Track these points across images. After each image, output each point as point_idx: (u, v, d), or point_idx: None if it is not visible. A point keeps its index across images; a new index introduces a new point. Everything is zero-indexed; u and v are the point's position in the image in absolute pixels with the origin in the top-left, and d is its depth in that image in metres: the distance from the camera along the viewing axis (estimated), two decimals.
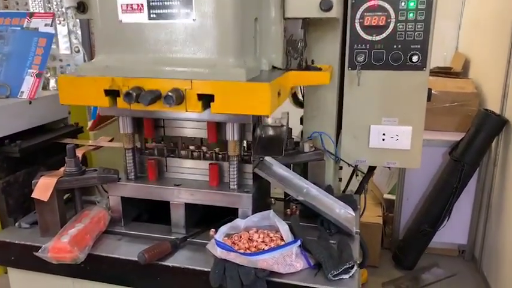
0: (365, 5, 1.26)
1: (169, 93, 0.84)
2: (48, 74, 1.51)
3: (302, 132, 1.39)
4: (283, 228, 1.06)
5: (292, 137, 1.30)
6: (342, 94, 1.35)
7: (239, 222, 1.10)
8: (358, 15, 1.27)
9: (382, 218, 2.56)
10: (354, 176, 1.54)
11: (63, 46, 1.96)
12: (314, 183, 1.24)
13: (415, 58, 1.25)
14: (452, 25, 3.16)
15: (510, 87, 2.20)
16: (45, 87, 1.47)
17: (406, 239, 2.54)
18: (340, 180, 1.58)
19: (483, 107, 2.40)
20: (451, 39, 3.16)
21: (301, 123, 1.40)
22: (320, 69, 1.19)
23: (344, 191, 1.61)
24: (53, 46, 1.59)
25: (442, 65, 3.03)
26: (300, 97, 1.53)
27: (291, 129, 1.29)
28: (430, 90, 1.33)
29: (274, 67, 1.10)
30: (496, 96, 2.33)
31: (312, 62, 1.30)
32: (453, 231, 2.53)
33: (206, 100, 0.88)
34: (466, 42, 3.07)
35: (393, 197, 2.63)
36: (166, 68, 0.90)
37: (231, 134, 1.03)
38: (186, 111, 0.88)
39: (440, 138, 2.47)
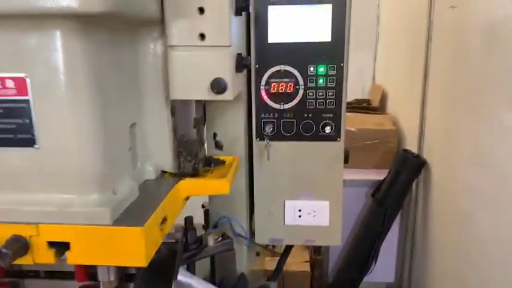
0: (270, 71, 1.11)
1: (3, 250, 0.60)
2: None
3: (207, 212, 1.20)
4: None
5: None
6: (252, 167, 1.18)
7: None
8: (263, 82, 1.12)
9: (309, 263, 2.44)
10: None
11: None
12: (224, 277, 1.06)
13: (327, 128, 1.12)
14: (369, 55, 3.17)
15: (426, 126, 2.19)
16: None
17: (336, 283, 2.44)
18: (258, 254, 1.41)
19: (402, 147, 2.38)
20: (368, 70, 3.17)
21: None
22: (223, 162, 1.02)
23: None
24: None
25: (360, 97, 3.02)
26: None
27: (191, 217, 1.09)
28: (347, 153, 1.21)
29: (164, 172, 0.91)
30: (414, 133, 2.31)
31: (214, 135, 1.12)
32: (380, 271, 2.47)
33: (61, 247, 0.65)
34: (382, 74, 3.10)
35: None
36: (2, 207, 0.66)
37: (105, 274, 0.80)
38: (34, 263, 0.64)
39: (362, 177, 2.41)
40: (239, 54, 0.89)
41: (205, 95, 0.84)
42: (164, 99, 0.87)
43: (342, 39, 1.07)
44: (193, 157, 0.91)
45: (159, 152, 0.89)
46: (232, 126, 1.10)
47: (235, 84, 0.87)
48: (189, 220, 1.03)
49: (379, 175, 2.37)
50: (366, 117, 2.61)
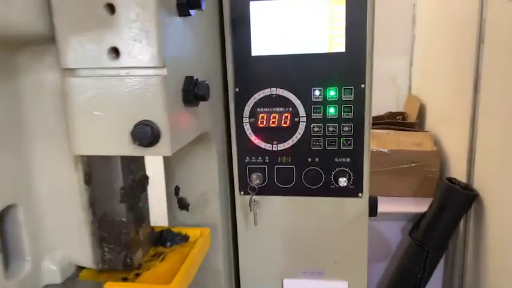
0: (256, 96, 0.76)
1: None
2: None
3: None
4: None
5: None
6: (236, 233, 0.83)
7: None
8: (246, 112, 0.77)
9: None
10: None
11: None
12: None
13: (343, 180, 0.76)
14: (403, 61, 2.75)
15: (477, 149, 1.77)
16: None
17: None
18: None
19: (446, 173, 1.96)
20: (403, 78, 2.75)
21: None
22: (186, 238, 0.68)
23: None
24: None
25: (395, 110, 2.61)
26: None
27: None
28: (374, 203, 0.84)
29: (80, 267, 0.58)
30: (461, 157, 1.89)
31: (176, 190, 0.78)
32: None
33: None
34: (419, 83, 2.67)
35: None
36: None
37: None
38: None
39: (398, 209, 2.00)
40: (189, 79, 0.55)
41: (125, 148, 0.50)
42: (68, 157, 0.54)
43: (362, 49, 0.71)
44: (123, 245, 0.58)
45: (67, 240, 0.56)
46: (201, 176, 0.76)
47: (179, 128, 0.53)
48: None
49: (418, 206, 1.96)
50: (401, 135, 2.20)
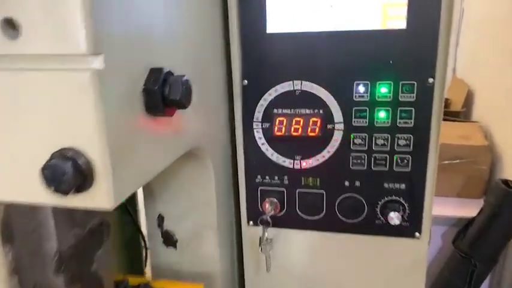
0: (273, 92, 0.53)
1: None
2: None
3: None
4: None
5: None
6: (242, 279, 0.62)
7: None
8: (258, 114, 0.54)
9: None
10: None
11: None
12: None
13: (394, 214, 0.52)
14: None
15: None
16: None
17: None
18: None
19: (499, 172, 1.69)
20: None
21: None
22: None
23: None
24: None
25: None
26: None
27: None
28: None
29: None
30: None
31: (160, 219, 0.57)
32: None
33: None
34: (466, 65, 2.35)
35: None
36: None
37: None
38: None
39: (440, 212, 1.74)
40: (154, 74, 0.33)
41: (35, 195, 0.29)
42: None
43: (433, 24, 0.47)
44: None
45: None
46: (194, 203, 0.54)
47: (133, 160, 0.31)
48: None
49: (463, 209, 1.70)
50: (444, 125, 1.91)
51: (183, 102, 0.33)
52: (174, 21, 0.39)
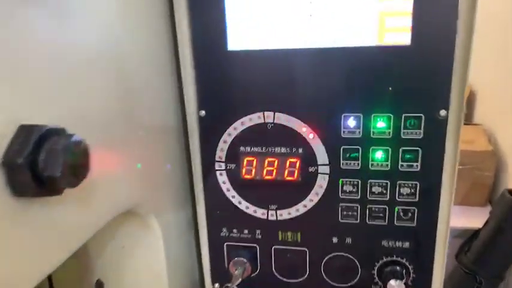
0: (239, 125, 0.41)
1: None
2: None
3: None
4: None
5: None
6: None
7: None
8: (221, 154, 0.42)
9: None
10: None
11: None
12: None
13: (394, 283, 0.41)
14: None
15: None
16: None
17: None
18: None
19: (502, 180, 1.58)
20: None
21: None
22: None
23: None
24: None
25: None
26: None
27: None
28: None
29: None
30: None
31: (99, 286, 0.45)
32: None
33: None
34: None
35: None
36: None
37: None
38: None
39: None
40: (22, 134, 0.21)
41: None
42: None
43: (450, 39, 0.35)
44: None
45: None
46: (139, 270, 0.42)
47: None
48: None
49: (467, 218, 1.60)
50: None
51: (69, 180, 0.21)
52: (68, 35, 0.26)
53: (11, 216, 0.21)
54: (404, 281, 0.41)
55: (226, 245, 0.45)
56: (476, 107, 2.04)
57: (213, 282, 0.47)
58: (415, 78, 0.36)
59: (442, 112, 0.37)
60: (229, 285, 0.43)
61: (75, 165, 0.22)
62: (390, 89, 0.37)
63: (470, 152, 1.70)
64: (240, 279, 0.43)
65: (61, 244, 0.25)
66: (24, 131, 0.21)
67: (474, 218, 1.56)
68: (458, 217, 1.62)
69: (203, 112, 0.41)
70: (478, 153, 1.74)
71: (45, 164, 0.21)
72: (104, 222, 0.30)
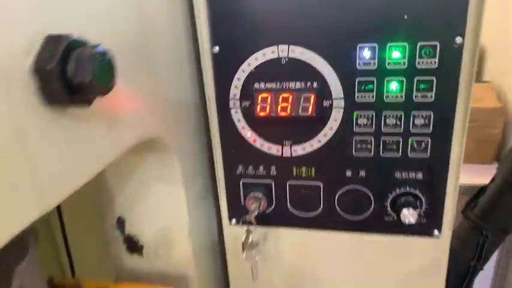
0: (253, 61, 0.41)
1: None
2: None
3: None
4: None
5: None
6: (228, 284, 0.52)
7: None
8: (235, 92, 0.43)
9: None
10: None
11: None
12: None
13: (407, 211, 0.42)
14: None
15: None
16: None
17: None
18: None
19: (510, 137, 1.58)
20: None
21: None
22: None
23: None
24: None
25: None
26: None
27: None
28: None
29: None
30: None
31: (121, 223, 0.46)
32: None
33: None
34: (478, 18, 2.18)
35: None
36: None
37: None
38: None
39: None
40: (51, 44, 0.21)
41: None
42: None
43: None
44: None
45: None
46: (159, 204, 0.44)
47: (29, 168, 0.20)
48: None
49: (474, 176, 1.60)
50: None
51: (98, 86, 0.22)
52: None
53: (44, 125, 0.22)
54: (417, 210, 0.42)
55: (242, 182, 0.47)
56: (486, 65, 2.01)
57: (230, 218, 0.48)
58: (431, 4, 0.36)
59: (458, 40, 0.37)
60: (247, 216, 0.44)
61: (103, 72, 0.22)
62: (406, 17, 0.37)
63: (479, 109, 1.69)
64: (256, 214, 0.45)
65: (88, 159, 0.26)
66: (52, 40, 0.22)
67: (481, 175, 1.56)
68: (465, 174, 1.62)
69: (217, 48, 0.42)
70: (486, 110, 1.72)
71: (74, 71, 0.21)
72: (128, 146, 0.31)
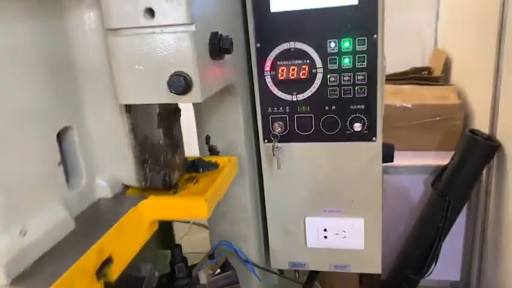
0: (276, 50, 0.82)
1: None
2: None
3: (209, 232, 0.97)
4: None
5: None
6: (261, 175, 0.92)
7: None
8: (267, 66, 0.83)
9: None
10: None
11: None
12: None
13: (357, 125, 0.82)
14: (429, 14, 2.70)
15: (501, 100, 1.77)
16: None
17: (389, 283, 2.14)
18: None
19: (470, 126, 1.97)
20: (429, 32, 2.71)
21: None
22: (216, 165, 0.76)
23: None
24: None
25: (420, 65, 2.59)
26: None
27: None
28: (390, 149, 0.90)
29: (127, 186, 0.68)
30: (484, 109, 1.89)
31: (207, 139, 0.87)
32: (443, 268, 2.12)
33: None
34: (445, 36, 2.62)
35: None
36: None
37: None
38: None
39: (421, 163, 2.03)
40: (214, 34, 0.62)
41: (163, 97, 0.58)
42: (112, 91, 0.62)
43: (374, 1, 0.76)
44: (162, 166, 0.67)
45: (114, 162, 0.65)
46: (228, 126, 0.84)
47: (207, 78, 0.60)
48: (177, 251, 0.80)
49: (441, 159, 1.99)
50: (424, 90, 2.20)
51: (229, 50, 0.62)
52: (220, 6, 0.68)
53: (208, 61, 0.62)
54: (361, 124, 0.82)
55: (271, 117, 0.86)
56: (452, 71, 2.43)
57: (264, 139, 0.88)
58: (361, 20, 0.77)
59: (374, 36, 0.77)
60: (274, 132, 0.84)
61: (230, 46, 0.63)
62: (349, 26, 0.78)
63: (443, 106, 2.11)
64: (279, 130, 0.85)
65: (221, 79, 0.67)
66: (214, 33, 0.62)
67: (446, 159, 1.96)
68: (435, 158, 2.02)
69: (258, 44, 0.82)
70: (449, 106, 2.12)
71: (223, 44, 0.62)
72: (227, 82, 0.71)
